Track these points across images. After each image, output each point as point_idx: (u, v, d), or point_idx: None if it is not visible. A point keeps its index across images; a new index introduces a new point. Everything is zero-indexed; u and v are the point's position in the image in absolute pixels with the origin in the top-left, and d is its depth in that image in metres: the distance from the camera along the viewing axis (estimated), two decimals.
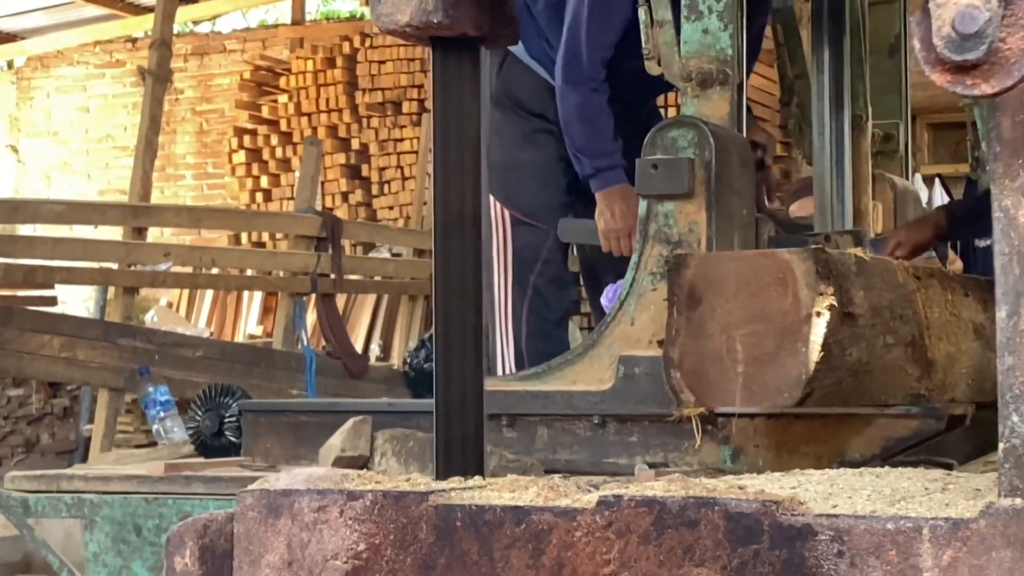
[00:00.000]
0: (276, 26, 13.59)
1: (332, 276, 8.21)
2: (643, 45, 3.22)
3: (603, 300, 3.54)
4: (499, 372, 3.91)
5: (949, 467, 2.89)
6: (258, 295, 10.54)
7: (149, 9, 11.89)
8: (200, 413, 3.65)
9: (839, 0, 3.90)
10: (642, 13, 3.22)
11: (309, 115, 11.25)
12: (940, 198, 9.17)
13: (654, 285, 2.86)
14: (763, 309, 2.57)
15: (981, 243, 8.81)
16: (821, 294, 2.52)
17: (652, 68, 3.23)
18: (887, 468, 1.91)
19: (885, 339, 2.76)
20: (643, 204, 2.90)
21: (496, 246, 3.98)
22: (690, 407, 2.71)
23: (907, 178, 4.21)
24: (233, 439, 3.54)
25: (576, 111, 3.69)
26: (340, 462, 2.85)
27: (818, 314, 2.52)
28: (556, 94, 3.76)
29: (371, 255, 9.98)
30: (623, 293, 2.91)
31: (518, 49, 3.98)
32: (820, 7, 3.92)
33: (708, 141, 2.85)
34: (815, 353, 2.52)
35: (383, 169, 10.96)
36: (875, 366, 2.74)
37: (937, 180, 9.97)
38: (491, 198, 4.00)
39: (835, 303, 2.54)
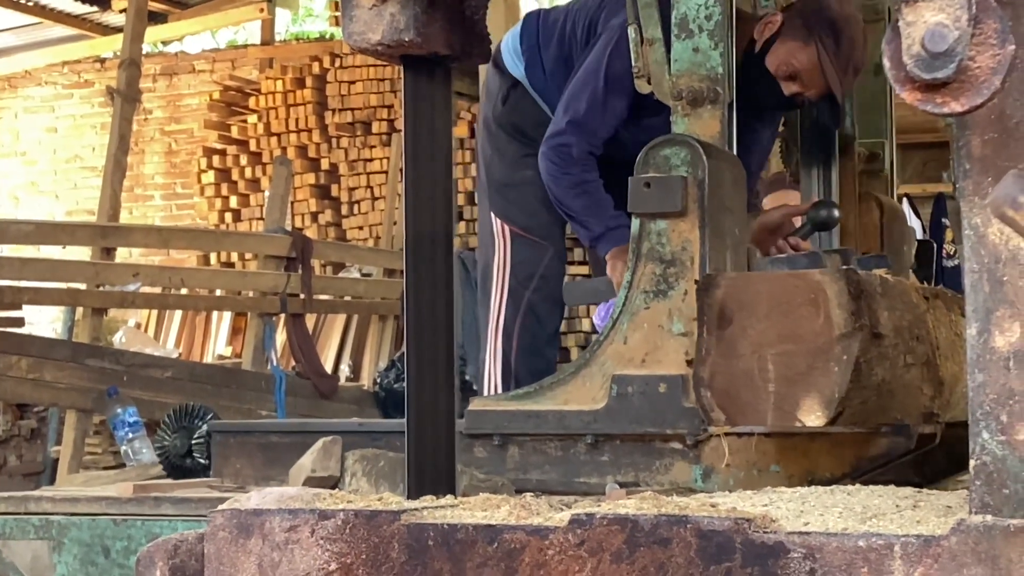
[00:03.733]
0: (245, 46, 13.56)
1: (302, 296, 8.20)
2: (633, 64, 3.22)
3: (595, 319, 3.53)
4: (484, 387, 3.90)
5: (918, 487, 2.90)
6: (227, 315, 10.51)
7: (118, 29, 11.85)
8: (169, 434, 3.63)
9: None
10: (632, 31, 3.23)
11: (278, 135, 11.23)
12: (909, 218, 9.22)
13: (647, 304, 2.85)
14: (795, 329, 2.57)
15: (949, 263, 8.88)
16: (854, 314, 2.53)
17: (642, 87, 3.23)
18: (858, 486, 1.92)
19: (905, 359, 2.77)
20: (635, 222, 2.89)
21: (496, 261, 3.98)
22: (720, 426, 2.71)
23: (892, 197, 4.22)
24: (202, 460, 3.53)
25: (571, 189, 3.69)
26: (310, 483, 2.84)
27: (852, 334, 2.53)
28: (542, 168, 3.75)
29: (341, 275, 9.97)
30: (616, 312, 2.90)
31: (522, 77, 3.99)
32: None
33: (701, 159, 2.85)
34: (848, 373, 2.53)
35: (353, 189, 10.94)
36: (896, 385, 2.75)
37: (905, 200, 10.04)
38: (491, 215, 4.00)
39: (866, 323, 2.56)
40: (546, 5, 15.80)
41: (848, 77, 3.65)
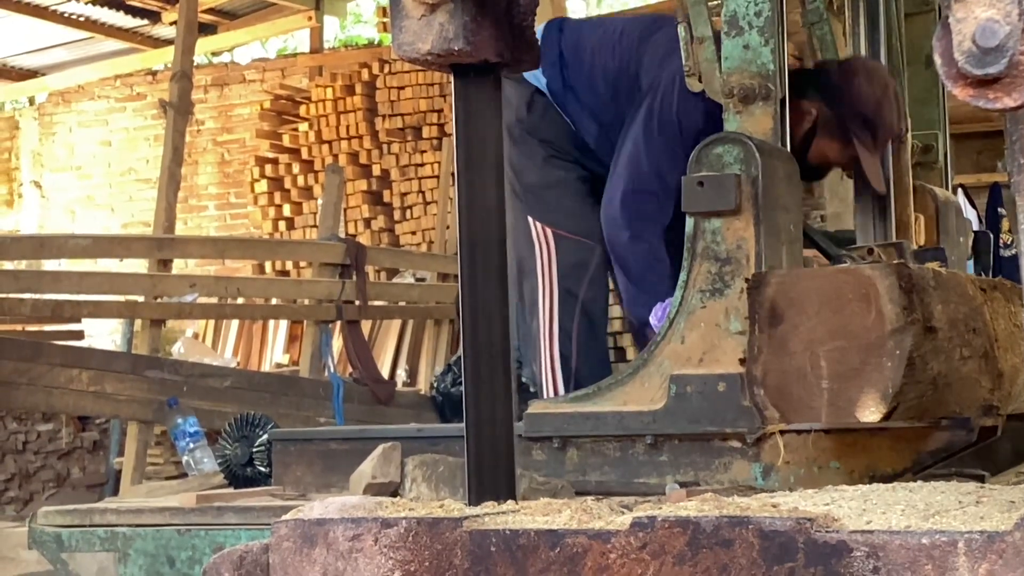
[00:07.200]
0: (295, 55, 13.64)
1: (357, 303, 8.22)
2: (683, 62, 3.22)
3: (652, 319, 3.51)
4: (544, 392, 3.89)
5: (981, 479, 2.89)
6: (284, 324, 10.56)
7: (168, 42, 11.96)
8: (230, 443, 3.66)
9: (875, 12, 3.90)
10: (681, 30, 3.22)
11: (330, 142, 11.28)
12: (964, 209, 9.15)
13: (703, 303, 2.85)
14: (846, 325, 2.56)
15: (1006, 252, 8.80)
16: (906, 308, 2.52)
17: (693, 85, 3.22)
18: (920, 482, 1.91)
19: (962, 352, 2.75)
20: (690, 221, 2.89)
21: (540, 266, 3.96)
22: (775, 424, 2.70)
23: (947, 188, 4.19)
24: (263, 469, 3.55)
25: (641, 255, 3.66)
26: (371, 489, 2.86)
27: (904, 328, 2.52)
28: (607, 227, 3.74)
29: (395, 280, 9.99)
30: (672, 311, 2.90)
31: (543, 87, 3.96)
32: (856, 19, 3.91)
33: (754, 156, 2.84)
34: (902, 367, 2.51)
35: (405, 194, 10.97)
36: (953, 378, 2.73)
37: (960, 190, 9.96)
38: (530, 219, 3.98)
39: (919, 317, 2.54)
40: (594, 9, 15.78)
41: (887, 150, 3.71)
